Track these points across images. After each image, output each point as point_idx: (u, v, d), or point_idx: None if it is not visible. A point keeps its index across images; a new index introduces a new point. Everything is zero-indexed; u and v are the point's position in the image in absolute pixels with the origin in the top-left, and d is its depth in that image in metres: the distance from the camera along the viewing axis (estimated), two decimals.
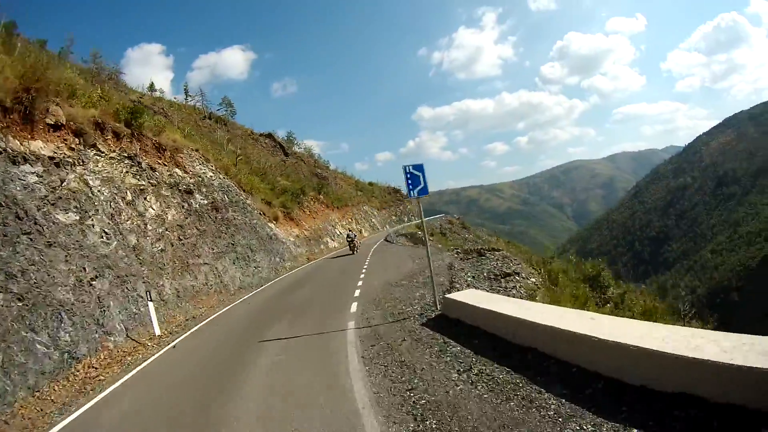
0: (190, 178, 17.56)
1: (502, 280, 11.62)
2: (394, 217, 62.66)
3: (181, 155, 17.94)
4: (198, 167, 18.95)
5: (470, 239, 37.52)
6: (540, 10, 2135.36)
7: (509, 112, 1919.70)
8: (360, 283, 14.20)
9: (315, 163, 50.32)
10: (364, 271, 16.90)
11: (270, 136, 44.79)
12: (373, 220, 52.67)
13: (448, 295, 8.74)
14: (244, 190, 23.47)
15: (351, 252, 25.06)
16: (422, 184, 8.94)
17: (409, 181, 8.86)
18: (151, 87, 35.57)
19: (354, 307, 10.54)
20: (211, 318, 12.48)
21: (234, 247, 18.45)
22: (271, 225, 25.00)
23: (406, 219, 66.83)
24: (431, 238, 27.69)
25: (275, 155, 40.68)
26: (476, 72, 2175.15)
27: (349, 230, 31.38)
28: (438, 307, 8.99)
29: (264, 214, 24.56)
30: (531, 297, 10.36)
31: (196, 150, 20.17)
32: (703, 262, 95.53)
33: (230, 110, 42.02)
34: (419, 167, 9.02)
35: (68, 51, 18.70)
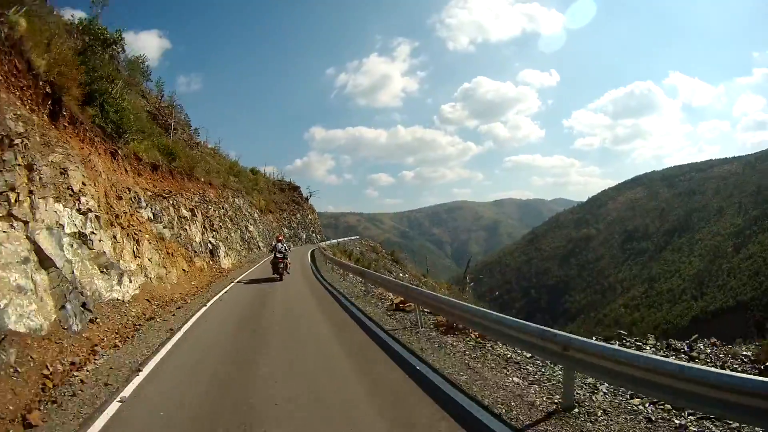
0: None
1: None
2: (286, 229, 41.01)
3: None
4: None
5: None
6: (457, 50, 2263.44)
7: (401, 145, 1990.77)
8: None
9: (167, 108, 26.76)
10: None
11: None
12: (251, 228, 30.05)
13: None
14: None
15: (278, 276, 15.60)
16: None
17: None
18: None
19: None
20: None
21: None
22: None
23: (304, 234, 47.72)
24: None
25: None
26: (377, 101, 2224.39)
27: (278, 239, 16.55)
28: None
29: None
30: None
31: None
32: (616, 316, 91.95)
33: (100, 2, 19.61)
34: None
35: None
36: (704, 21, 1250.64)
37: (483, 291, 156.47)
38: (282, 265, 15.65)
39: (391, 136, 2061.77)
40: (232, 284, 14.66)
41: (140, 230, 11.27)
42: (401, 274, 36.21)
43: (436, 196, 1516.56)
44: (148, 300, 9.82)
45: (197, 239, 17.45)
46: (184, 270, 14.24)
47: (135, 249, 10.47)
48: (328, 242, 42.24)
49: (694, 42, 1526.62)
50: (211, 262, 18.25)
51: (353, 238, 59.76)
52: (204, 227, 19.01)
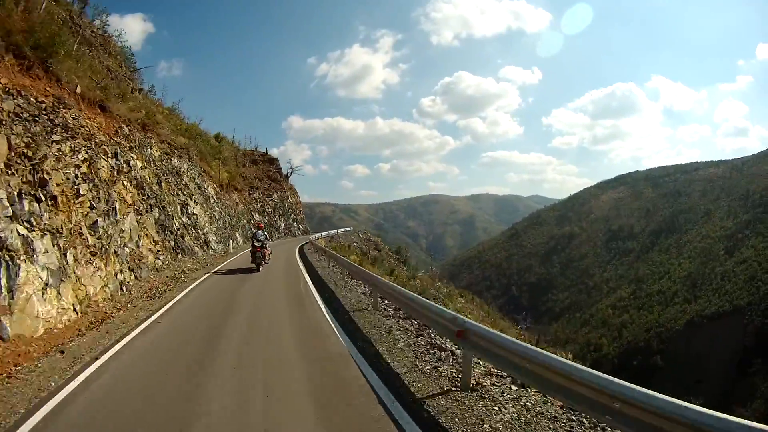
0: None
1: None
2: (257, 215, 31.17)
3: None
4: None
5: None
6: (440, 44, 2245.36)
7: (378, 137, 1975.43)
8: None
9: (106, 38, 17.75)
10: None
11: None
12: (196, 209, 18.88)
13: None
14: None
15: (255, 267, 14.65)
16: None
17: None
18: None
19: None
20: None
21: None
22: None
23: (282, 223, 37.06)
24: None
25: None
26: (357, 92, 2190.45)
27: (258, 226, 15.68)
28: None
29: None
30: None
31: None
32: (604, 317, 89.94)
33: None
34: None
35: None
36: (691, 27, 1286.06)
37: (461, 286, 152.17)
38: (260, 255, 14.76)
39: (369, 128, 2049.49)
40: None
41: None
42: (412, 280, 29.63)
43: (411, 189, 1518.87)
44: None
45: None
46: None
47: None
48: (320, 235, 34.06)
49: (679, 47, 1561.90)
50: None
51: (347, 229, 50.72)
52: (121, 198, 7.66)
